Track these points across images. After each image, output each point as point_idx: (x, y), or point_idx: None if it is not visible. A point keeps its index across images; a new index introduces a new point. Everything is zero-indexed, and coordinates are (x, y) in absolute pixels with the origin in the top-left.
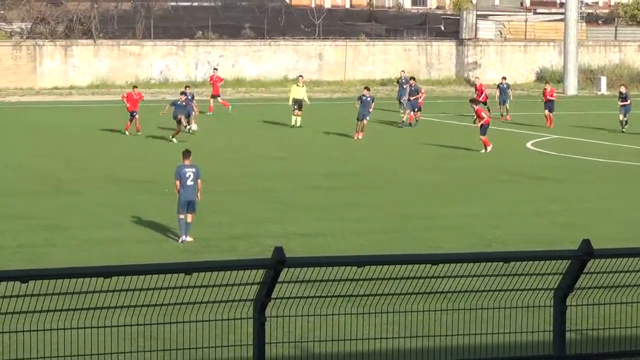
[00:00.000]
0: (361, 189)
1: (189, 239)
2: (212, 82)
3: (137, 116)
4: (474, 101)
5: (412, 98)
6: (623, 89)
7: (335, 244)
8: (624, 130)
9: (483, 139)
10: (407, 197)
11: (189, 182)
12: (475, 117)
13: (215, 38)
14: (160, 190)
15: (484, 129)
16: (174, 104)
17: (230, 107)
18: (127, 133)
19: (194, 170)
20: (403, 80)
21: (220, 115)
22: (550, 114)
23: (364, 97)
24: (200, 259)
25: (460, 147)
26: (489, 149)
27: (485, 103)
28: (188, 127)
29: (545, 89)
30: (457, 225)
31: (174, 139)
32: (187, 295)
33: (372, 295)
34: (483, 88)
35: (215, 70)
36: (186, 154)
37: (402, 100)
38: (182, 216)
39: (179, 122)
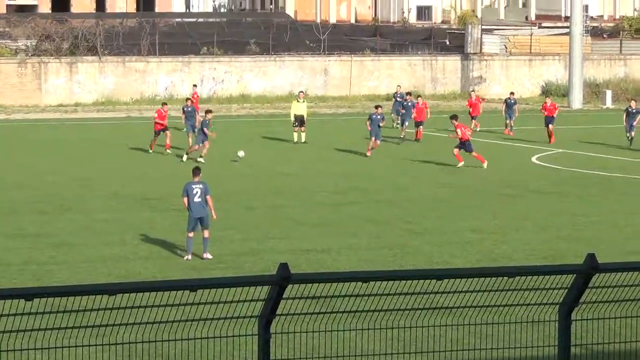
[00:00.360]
0: (367, 205)
1: (208, 256)
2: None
3: (168, 132)
4: (454, 117)
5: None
6: (634, 104)
7: (341, 260)
8: (631, 147)
9: (475, 155)
10: (414, 212)
11: (197, 199)
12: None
13: (220, 54)
14: (166, 207)
15: (468, 145)
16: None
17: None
18: (150, 151)
19: (201, 186)
20: (398, 95)
21: (225, 131)
22: (550, 127)
23: (374, 116)
24: (206, 275)
25: (467, 161)
26: (460, 164)
27: (473, 117)
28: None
29: (545, 102)
30: (463, 240)
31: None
32: (193, 312)
33: (377, 311)
34: (479, 101)
35: (194, 87)
36: (196, 171)
37: (399, 115)
38: (191, 234)
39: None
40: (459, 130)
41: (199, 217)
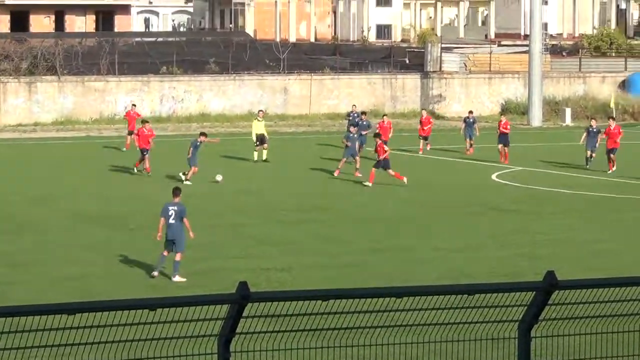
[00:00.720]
0: (330, 223)
1: (179, 279)
2: (128, 117)
3: (147, 155)
4: (377, 135)
5: (363, 133)
6: (594, 123)
7: (302, 278)
8: (588, 167)
9: (393, 174)
10: (376, 230)
11: (171, 220)
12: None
13: (180, 73)
14: (125, 226)
15: (386, 163)
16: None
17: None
18: (135, 170)
19: (176, 208)
20: (355, 115)
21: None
22: (505, 149)
23: (351, 135)
24: (166, 294)
25: (427, 180)
26: (368, 183)
27: (386, 143)
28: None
29: (500, 120)
30: (424, 258)
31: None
32: (152, 332)
33: (337, 329)
34: (430, 120)
35: (133, 106)
36: (175, 191)
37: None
38: (165, 253)
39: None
40: (380, 149)
41: (171, 239)
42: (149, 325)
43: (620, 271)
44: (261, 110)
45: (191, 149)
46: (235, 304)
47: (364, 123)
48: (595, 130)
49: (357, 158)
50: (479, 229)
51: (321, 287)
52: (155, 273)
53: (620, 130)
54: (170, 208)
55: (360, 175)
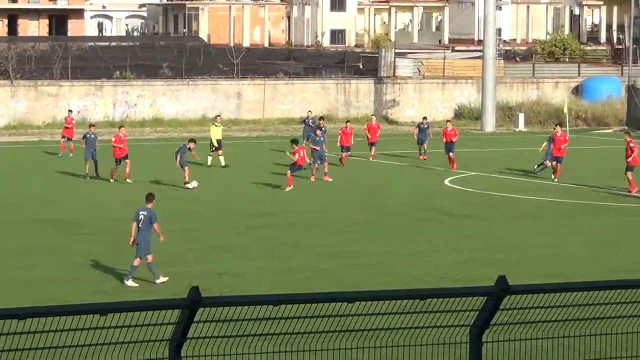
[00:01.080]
0: (282, 228)
1: (160, 280)
2: (67, 123)
3: (128, 161)
4: (294, 141)
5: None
6: (559, 130)
7: (254, 284)
8: (538, 173)
9: (287, 176)
10: (330, 235)
11: (140, 225)
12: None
13: (133, 78)
14: (80, 231)
15: (294, 168)
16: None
17: (62, 154)
18: (111, 180)
19: (146, 213)
20: (310, 121)
21: (138, 155)
22: (451, 154)
23: (318, 139)
24: (119, 299)
25: (382, 185)
26: (288, 189)
27: (348, 149)
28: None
29: (446, 128)
30: (377, 263)
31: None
32: (103, 337)
33: (289, 334)
34: (379, 127)
35: (70, 112)
36: (148, 197)
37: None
38: (136, 262)
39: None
40: (297, 155)
41: (139, 243)
42: (99, 330)
43: (572, 276)
44: (218, 116)
45: (179, 155)
46: (187, 308)
47: (323, 128)
48: (560, 138)
49: (326, 162)
50: (432, 234)
51: (274, 292)
52: (129, 282)
53: (567, 137)
54: (141, 213)
55: (331, 179)
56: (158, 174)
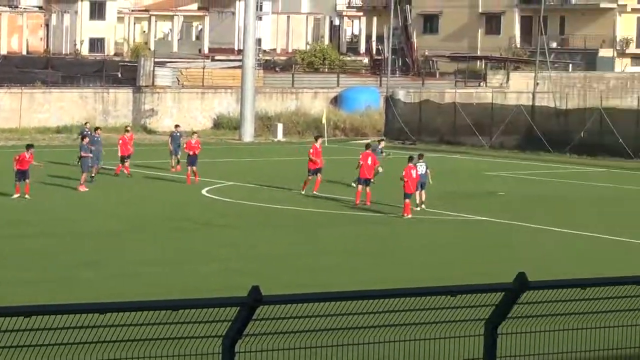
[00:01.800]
0: (36, 239)
1: None
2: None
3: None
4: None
5: (93, 148)
6: (383, 144)
7: (8, 294)
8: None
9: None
10: (83, 245)
11: None
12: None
13: None
14: None
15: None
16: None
17: None
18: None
19: None
20: (87, 132)
21: None
22: (193, 168)
23: (86, 146)
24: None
25: (136, 196)
26: (16, 196)
27: (128, 157)
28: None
29: (189, 140)
30: (132, 273)
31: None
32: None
33: (42, 345)
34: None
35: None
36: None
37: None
38: None
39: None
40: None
41: None
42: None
43: (332, 286)
44: None
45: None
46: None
47: (96, 138)
48: (379, 149)
49: (85, 174)
50: (187, 244)
51: (26, 303)
52: None
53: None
54: None
55: (87, 189)
56: None
